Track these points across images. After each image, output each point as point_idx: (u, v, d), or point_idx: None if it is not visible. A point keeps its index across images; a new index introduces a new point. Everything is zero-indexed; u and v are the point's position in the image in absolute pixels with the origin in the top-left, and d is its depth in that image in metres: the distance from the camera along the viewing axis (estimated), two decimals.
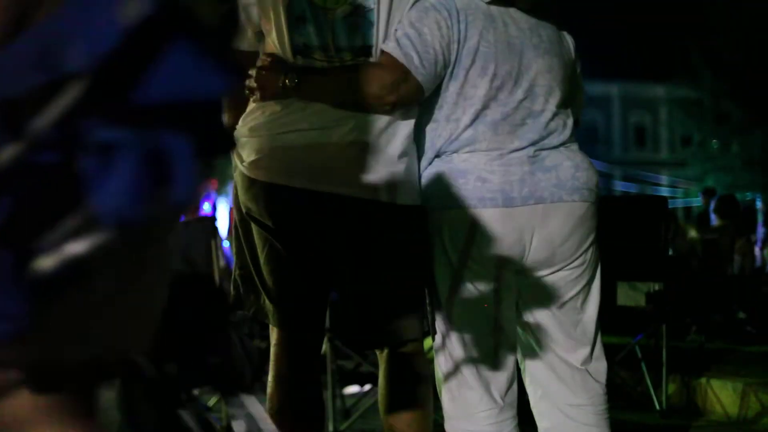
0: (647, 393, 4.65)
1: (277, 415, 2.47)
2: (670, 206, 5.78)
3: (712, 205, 9.51)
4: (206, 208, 9.96)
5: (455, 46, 2.39)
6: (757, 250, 10.44)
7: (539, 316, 2.53)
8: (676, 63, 24.70)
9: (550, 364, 2.56)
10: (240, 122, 2.44)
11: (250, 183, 2.36)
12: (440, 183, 2.41)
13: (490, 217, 2.38)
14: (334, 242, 2.36)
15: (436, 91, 2.43)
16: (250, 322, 5.66)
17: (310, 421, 2.49)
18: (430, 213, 2.44)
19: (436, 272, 2.47)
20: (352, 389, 5.43)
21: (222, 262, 5.13)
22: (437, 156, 2.45)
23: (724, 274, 7.35)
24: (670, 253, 6.15)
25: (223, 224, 8.09)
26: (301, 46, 2.33)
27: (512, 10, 2.48)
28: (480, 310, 2.46)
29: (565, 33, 2.63)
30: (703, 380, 4.72)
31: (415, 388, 2.46)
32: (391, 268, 2.40)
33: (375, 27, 2.33)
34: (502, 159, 2.40)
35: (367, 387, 5.06)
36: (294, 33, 2.32)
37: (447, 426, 2.56)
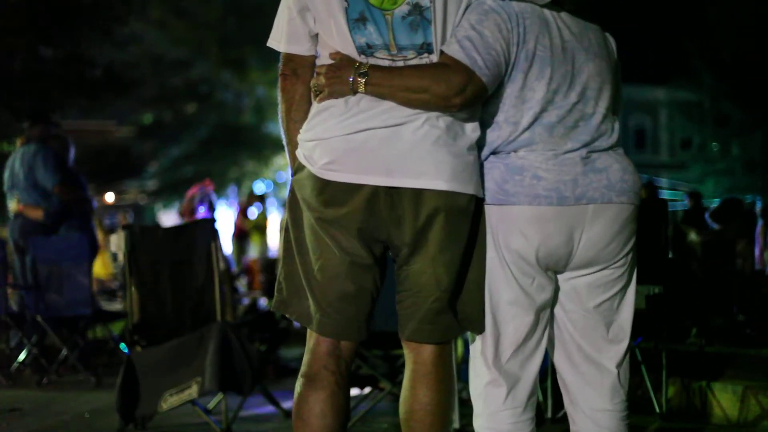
0: (647, 396, 4.65)
1: (302, 416, 2.48)
2: (670, 209, 5.78)
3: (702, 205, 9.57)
4: (202, 210, 9.96)
5: (514, 48, 2.45)
6: (757, 252, 10.44)
7: (573, 316, 2.61)
8: (676, 65, 24.71)
9: (580, 368, 2.63)
10: (304, 127, 2.49)
11: (324, 185, 2.41)
12: (495, 178, 2.49)
13: (543, 214, 2.46)
14: (411, 234, 2.42)
15: (494, 93, 2.49)
16: (250, 325, 5.67)
17: (335, 424, 2.49)
18: (486, 209, 2.52)
19: (488, 268, 2.55)
20: (352, 392, 5.43)
21: (222, 265, 5.12)
22: (493, 153, 2.52)
23: (724, 277, 7.34)
24: (670, 255, 6.15)
25: (222, 227, 8.09)
26: (364, 46, 2.41)
27: (564, 14, 2.55)
28: (520, 309, 2.53)
29: (608, 35, 2.69)
30: (703, 383, 4.71)
31: (441, 394, 2.49)
32: (461, 258, 2.47)
33: (433, 24, 2.40)
34: (556, 159, 2.48)
35: (367, 390, 5.06)
36: (356, 33, 2.40)
37: (474, 423, 2.63)
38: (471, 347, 2.61)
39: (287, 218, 2.57)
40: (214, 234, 4.87)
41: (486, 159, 2.52)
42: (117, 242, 5.33)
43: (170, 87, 23.10)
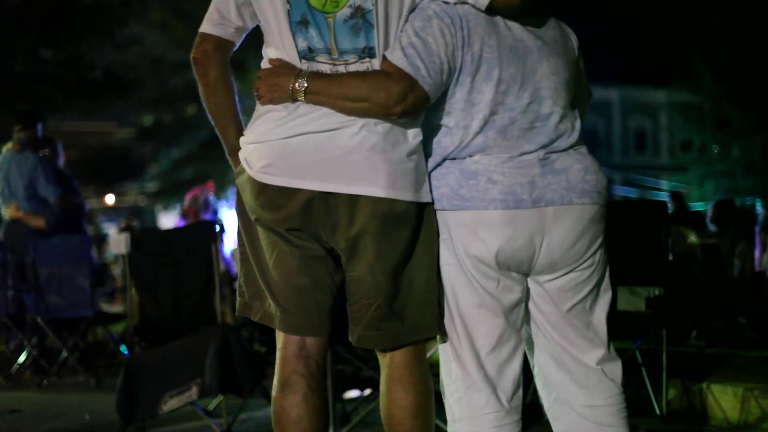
0: (647, 398, 4.65)
1: (279, 421, 2.47)
2: (670, 211, 5.78)
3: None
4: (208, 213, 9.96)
5: (459, 53, 2.40)
6: (757, 254, 10.43)
7: (551, 317, 2.56)
8: (676, 67, 24.69)
9: (565, 366, 2.59)
10: (246, 129, 2.49)
11: (261, 188, 2.40)
12: (450, 184, 2.45)
13: (499, 218, 2.41)
14: (346, 240, 2.40)
15: (443, 97, 2.45)
16: (250, 326, 5.67)
17: (313, 427, 2.48)
18: (439, 213, 2.47)
19: (444, 271, 2.50)
20: (353, 394, 5.43)
21: (222, 267, 5.13)
22: (449, 159, 2.48)
23: (724, 279, 7.34)
24: (671, 257, 6.15)
25: (225, 228, 8.09)
26: (306, 50, 2.38)
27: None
28: (488, 312, 2.49)
29: (567, 29, 2.64)
30: (704, 385, 4.71)
31: (419, 395, 2.47)
32: (402, 264, 2.43)
33: (375, 28, 2.36)
34: (512, 162, 2.43)
35: (368, 391, 5.06)
36: (298, 37, 2.37)
37: (450, 429, 2.58)
38: (441, 353, 2.56)
39: (238, 220, 2.55)
40: (215, 235, 4.88)
41: (441, 165, 2.48)
42: (116, 243, 5.33)
43: (170, 88, 23.09)
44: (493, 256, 2.43)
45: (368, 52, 2.38)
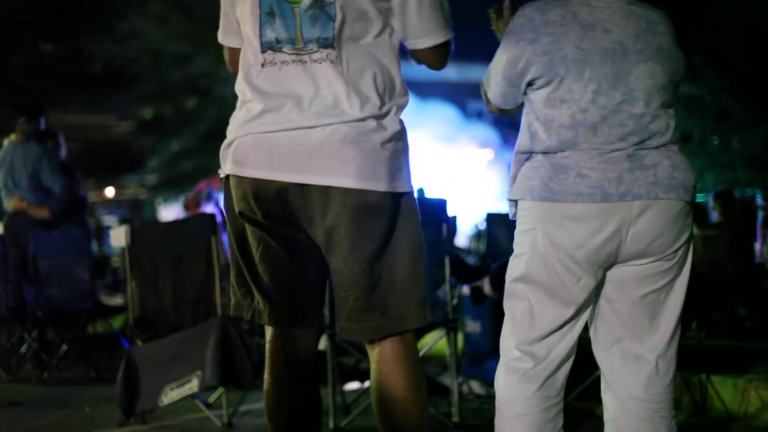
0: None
1: (272, 414, 2.47)
2: None
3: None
4: (209, 208, 9.97)
5: (545, 58, 2.52)
6: (757, 246, 10.43)
7: (621, 305, 2.62)
8: None
9: (616, 356, 2.65)
10: (230, 124, 2.50)
11: (239, 181, 2.41)
12: (542, 177, 2.52)
13: (587, 211, 2.48)
14: (321, 232, 2.40)
15: (535, 96, 2.58)
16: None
17: (306, 420, 2.48)
18: (530, 205, 2.55)
19: (517, 261, 2.60)
20: (353, 386, 5.44)
21: (222, 259, 5.13)
22: (542, 154, 2.55)
23: (724, 271, 7.35)
24: None
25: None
26: (273, 41, 2.40)
27: (622, 11, 2.56)
28: (560, 302, 2.56)
29: (665, 25, 2.65)
30: (704, 376, 4.72)
31: (407, 390, 2.44)
32: (378, 255, 2.42)
33: (334, 21, 2.37)
34: (602, 157, 2.50)
35: (368, 383, 5.06)
36: (265, 28, 2.40)
37: (497, 404, 2.66)
38: (504, 327, 2.64)
39: (226, 217, 2.56)
40: (215, 228, 4.88)
41: (533, 159, 2.56)
42: (116, 236, 5.31)
43: (170, 82, 23.06)
44: (579, 248, 2.50)
45: (322, 42, 2.37)
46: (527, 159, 2.58)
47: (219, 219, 5.09)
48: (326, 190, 2.35)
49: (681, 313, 2.64)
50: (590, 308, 2.64)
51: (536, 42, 2.53)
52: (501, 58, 2.60)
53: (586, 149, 2.51)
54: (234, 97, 2.58)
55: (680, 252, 2.59)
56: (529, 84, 2.58)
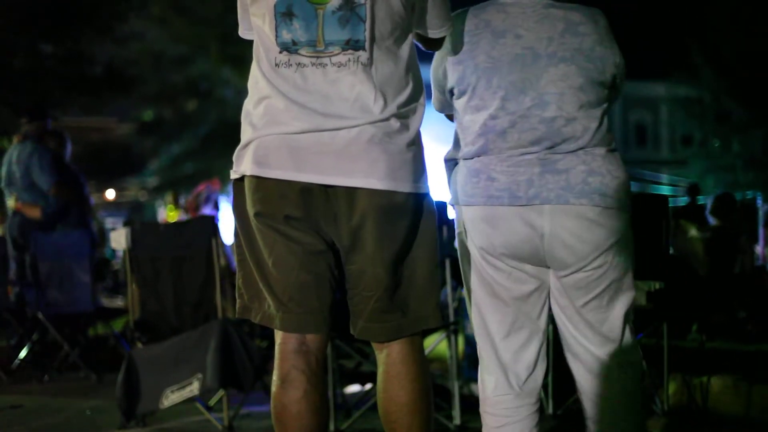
0: (648, 392, 4.65)
1: (279, 417, 2.46)
2: (670, 205, 5.78)
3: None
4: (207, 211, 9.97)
5: (459, 67, 2.62)
6: (758, 248, 10.43)
7: (567, 311, 2.67)
8: (677, 61, 24.66)
9: (582, 359, 2.69)
10: (243, 120, 2.47)
11: (259, 182, 2.39)
12: (459, 182, 2.64)
13: (496, 213, 2.56)
14: (346, 232, 2.40)
15: (457, 105, 2.70)
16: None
17: (313, 424, 2.48)
18: (456, 209, 2.68)
19: (462, 262, 2.71)
20: (354, 388, 5.43)
21: (223, 261, 5.13)
22: (463, 159, 2.67)
23: (725, 273, 7.34)
24: (671, 252, 6.14)
25: (225, 223, 8.09)
26: (289, 42, 2.37)
27: (535, 15, 2.59)
28: (500, 301, 2.65)
29: (597, 19, 2.65)
30: (704, 379, 4.72)
31: (415, 392, 2.46)
32: (402, 256, 2.45)
33: (365, 22, 2.36)
34: (511, 161, 2.56)
35: (368, 386, 5.06)
36: (281, 29, 2.37)
37: (480, 407, 2.76)
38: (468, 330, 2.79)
39: (235, 221, 2.54)
40: (215, 230, 4.87)
41: (456, 164, 2.69)
42: (116, 238, 5.30)
43: (171, 84, 23.08)
44: (497, 248, 2.58)
45: (352, 44, 2.36)
46: (455, 165, 2.70)
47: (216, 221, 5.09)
48: (352, 190, 2.35)
49: (631, 313, 2.66)
50: (540, 309, 2.68)
51: (453, 52, 2.63)
52: (432, 66, 2.74)
53: (497, 154, 2.57)
54: (235, 100, 2.59)
55: (610, 256, 2.58)
56: (451, 93, 2.68)
